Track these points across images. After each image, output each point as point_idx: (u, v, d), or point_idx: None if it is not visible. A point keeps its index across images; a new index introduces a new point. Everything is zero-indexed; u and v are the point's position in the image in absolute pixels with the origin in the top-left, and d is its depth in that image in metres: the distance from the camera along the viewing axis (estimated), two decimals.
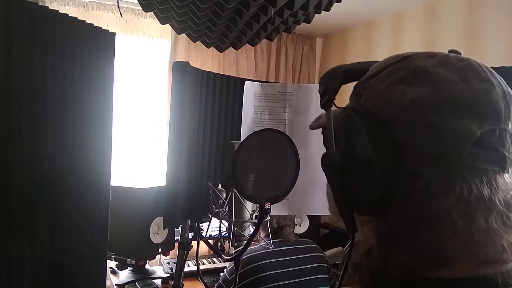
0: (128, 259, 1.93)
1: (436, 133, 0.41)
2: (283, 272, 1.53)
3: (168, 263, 2.26)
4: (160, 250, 2.04)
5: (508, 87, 0.43)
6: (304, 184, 1.11)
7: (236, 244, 1.10)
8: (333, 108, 0.51)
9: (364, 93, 0.47)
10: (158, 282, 2.10)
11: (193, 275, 2.14)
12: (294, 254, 1.60)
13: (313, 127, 0.58)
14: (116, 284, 2.00)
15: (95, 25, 0.99)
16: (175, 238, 2.13)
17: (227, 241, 1.10)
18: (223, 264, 2.29)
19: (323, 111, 0.53)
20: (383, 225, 0.45)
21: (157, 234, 2.01)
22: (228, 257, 1.05)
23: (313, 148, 1.28)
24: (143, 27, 2.52)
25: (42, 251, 0.92)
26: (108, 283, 2.02)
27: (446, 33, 2.10)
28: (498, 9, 1.86)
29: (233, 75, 1.50)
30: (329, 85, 0.52)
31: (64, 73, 0.93)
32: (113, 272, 2.15)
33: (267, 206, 0.83)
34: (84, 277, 1.02)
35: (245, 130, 1.33)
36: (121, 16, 2.39)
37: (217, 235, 1.36)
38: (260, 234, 1.52)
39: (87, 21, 0.97)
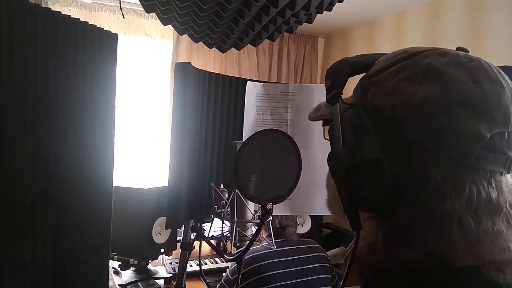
0: (130, 259, 1.93)
1: (446, 134, 0.41)
2: (285, 272, 1.53)
3: (171, 263, 2.26)
4: (162, 250, 2.05)
5: None
6: (306, 184, 1.10)
7: (238, 244, 1.10)
8: None
9: (371, 89, 0.47)
10: (161, 282, 2.10)
11: (196, 275, 2.13)
12: (296, 254, 1.60)
13: (313, 118, 0.57)
14: (118, 284, 2.01)
15: (97, 26, 0.99)
16: (178, 238, 2.13)
17: (229, 241, 1.10)
18: (225, 264, 2.29)
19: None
20: (388, 222, 0.45)
21: (159, 234, 2.01)
22: (231, 257, 1.05)
23: (315, 148, 1.28)
24: (145, 28, 2.52)
25: (45, 251, 0.93)
26: (110, 283, 2.02)
27: (448, 32, 2.10)
28: (500, 8, 1.85)
29: (235, 76, 1.50)
30: (336, 79, 0.51)
31: (67, 74, 0.94)
32: (116, 272, 2.15)
33: (269, 206, 0.83)
34: (86, 278, 1.02)
35: (247, 131, 1.33)
36: (123, 17, 2.39)
37: (219, 235, 1.36)
38: (262, 234, 1.52)
39: (89, 22, 0.98)
